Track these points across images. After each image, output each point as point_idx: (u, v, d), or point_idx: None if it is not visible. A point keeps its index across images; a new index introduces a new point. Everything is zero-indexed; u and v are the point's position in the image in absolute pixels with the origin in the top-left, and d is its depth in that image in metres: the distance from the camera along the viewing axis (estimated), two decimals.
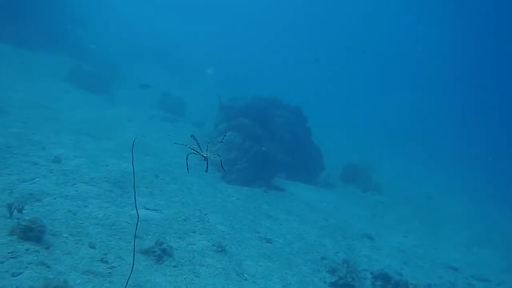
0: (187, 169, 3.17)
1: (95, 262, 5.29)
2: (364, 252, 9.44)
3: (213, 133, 13.66)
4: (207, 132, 14.58)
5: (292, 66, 48.14)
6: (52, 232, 5.56)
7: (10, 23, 17.54)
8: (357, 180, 16.92)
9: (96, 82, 17.50)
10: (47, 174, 7.38)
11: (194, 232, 7.33)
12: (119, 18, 33.49)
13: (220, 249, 6.93)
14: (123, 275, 5.25)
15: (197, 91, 26.69)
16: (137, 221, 6.02)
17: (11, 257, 4.73)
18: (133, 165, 4.44)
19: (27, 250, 4.95)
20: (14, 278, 4.40)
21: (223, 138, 3.25)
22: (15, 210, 5.66)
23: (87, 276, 4.95)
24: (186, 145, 3.20)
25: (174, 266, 5.97)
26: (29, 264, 4.72)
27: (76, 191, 7.13)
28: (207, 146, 3.24)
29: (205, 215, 8.26)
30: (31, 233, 5.16)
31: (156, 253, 5.96)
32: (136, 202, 7.68)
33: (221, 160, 3.27)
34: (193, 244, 6.85)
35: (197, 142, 3.23)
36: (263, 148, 12.21)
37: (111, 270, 5.25)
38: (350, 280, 7.48)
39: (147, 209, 7.59)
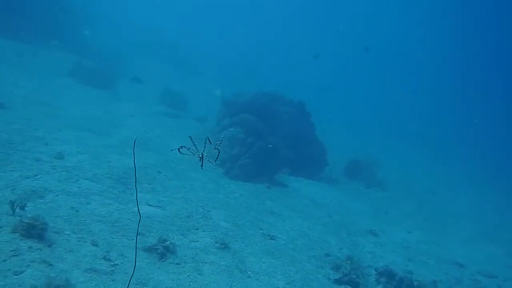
0: (176, 149, 3.08)
1: (97, 260, 5.26)
2: (368, 249, 9.39)
3: (216, 129, 13.59)
4: (210, 128, 14.51)
5: (295, 61, 47.92)
6: (54, 230, 5.54)
7: (11, 18, 17.49)
8: (361, 176, 16.83)
9: (98, 77, 17.45)
10: (49, 170, 7.35)
11: (197, 229, 7.29)
12: (122, 13, 33.35)
13: (223, 246, 6.89)
14: (126, 273, 5.22)
15: (199, 86, 26.59)
16: (139, 220, 5.98)
17: (13, 255, 4.70)
18: (134, 164, 4.39)
19: (29, 248, 4.93)
20: (16, 276, 4.38)
21: (222, 138, 3.18)
22: (18, 207, 5.63)
23: (90, 274, 4.92)
24: (183, 147, 3.13)
25: (177, 264, 5.94)
26: (31, 262, 4.69)
27: (79, 187, 7.09)
28: (206, 141, 3.19)
29: (208, 211, 8.22)
30: (34, 231, 5.13)
31: (159, 250, 5.93)
32: (139, 198, 7.65)
33: (216, 157, 3.21)
34: (196, 241, 6.82)
35: (194, 143, 3.18)
36: (270, 146, 12.12)
37: (113, 268, 5.22)
38: (354, 277, 7.43)
39: (149, 205, 7.56)
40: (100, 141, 10.30)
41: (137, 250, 5.82)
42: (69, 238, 5.49)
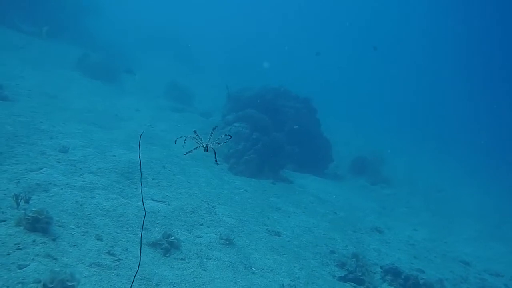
0: (181, 145, 3.05)
1: (102, 255, 5.23)
2: (373, 246, 9.30)
3: (221, 124, 13.52)
4: (215, 123, 14.44)
5: (300, 58, 47.61)
6: (59, 224, 5.51)
7: (17, 9, 17.45)
8: (366, 173, 16.71)
9: (104, 71, 17.39)
10: (54, 164, 7.33)
11: (201, 225, 7.24)
12: (127, 6, 33.23)
13: (227, 242, 6.84)
14: (130, 267, 5.19)
15: (204, 81, 26.49)
16: (144, 216, 5.94)
17: (17, 249, 4.68)
18: (140, 160, 4.33)
19: (33, 241, 4.90)
20: (20, 270, 4.35)
21: (228, 136, 3.13)
22: (22, 200, 5.61)
23: (94, 269, 4.89)
24: (188, 136, 3.10)
25: (182, 259, 5.90)
26: (35, 256, 4.66)
27: (83, 181, 7.07)
28: (212, 133, 3.14)
29: (212, 207, 8.17)
30: (38, 224, 5.10)
31: (164, 245, 5.89)
32: (143, 193, 7.61)
33: (215, 152, 3.16)
34: (200, 237, 6.77)
35: (199, 137, 3.14)
36: (275, 141, 12.01)
37: (118, 263, 5.19)
38: (359, 274, 7.36)
39: (154, 200, 7.52)
40: (105, 135, 10.27)
41: (141, 245, 5.79)
42: (73, 232, 5.47)
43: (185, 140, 3.09)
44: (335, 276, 7.26)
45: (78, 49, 18.71)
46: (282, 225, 8.66)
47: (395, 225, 11.51)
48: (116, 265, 5.13)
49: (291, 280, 6.48)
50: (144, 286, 5.01)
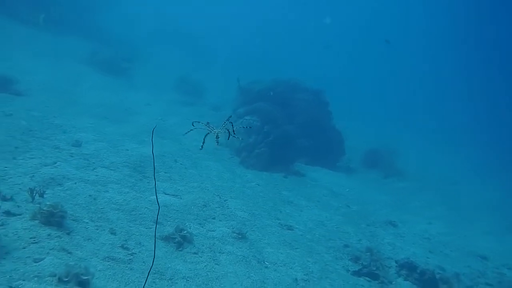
0: (192, 139, 3.02)
1: (115, 249, 5.24)
2: (387, 240, 9.17)
3: (232, 117, 13.45)
4: (225, 116, 14.38)
5: (312, 50, 47.07)
6: (73, 217, 5.54)
7: (28, 4, 17.58)
8: (379, 165, 16.47)
9: (115, 65, 17.47)
10: (68, 158, 7.38)
11: (213, 218, 7.22)
12: (138, 0, 33.20)
13: (240, 236, 6.80)
14: (143, 261, 5.19)
15: (215, 74, 26.40)
16: (158, 212, 5.93)
17: (33, 242, 4.71)
18: (153, 154, 4.30)
19: (48, 235, 4.93)
20: (36, 263, 4.38)
21: (243, 127, 3.07)
22: (37, 194, 5.66)
23: (108, 263, 4.91)
24: (199, 122, 3.06)
25: (195, 253, 5.88)
26: (50, 249, 4.69)
27: (96, 175, 7.10)
28: (225, 123, 3.10)
29: (224, 201, 8.14)
30: (53, 218, 5.13)
31: (176, 239, 5.88)
32: (156, 187, 7.62)
33: (217, 136, 3.11)
34: (213, 231, 6.75)
35: (212, 129, 3.09)
36: (286, 134, 11.90)
37: (131, 257, 5.19)
38: (374, 268, 7.26)
39: (166, 194, 7.52)
40: (117, 129, 10.31)
41: (155, 239, 5.79)
42: (87, 226, 5.49)
43: (190, 129, 3.04)
44: (349, 270, 7.18)
45: (89, 43, 18.80)
46: (295, 219, 8.59)
47: (409, 219, 11.33)
48: (130, 259, 5.14)
49: (304, 274, 6.42)
50: (158, 280, 5.00)
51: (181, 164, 9.31)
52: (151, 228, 6.04)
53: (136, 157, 8.49)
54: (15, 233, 4.77)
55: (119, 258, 5.09)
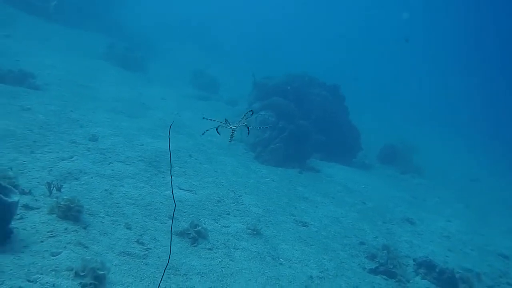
0: (206, 133, 2.97)
1: (131, 243, 5.26)
2: (405, 238, 8.99)
3: (250, 113, 13.37)
4: (241, 111, 14.31)
5: (328, 45, 46.51)
6: (89, 212, 5.58)
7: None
8: (396, 162, 16.18)
9: (131, 59, 17.60)
10: (84, 152, 7.44)
11: (228, 214, 7.19)
12: None
13: (255, 232, 6.75)
14: (158, 257, 5.19)
15: (229, 69, 26.34)
16: (174, 209, 5.92)
17: (50, 236, 4.76)
18: (170, 150, 4.28)
19: (65, 229, 4.98)
20: (53, 257, 4.42)
21: (260, 127, 2.98)
22: (54, 188, 5.71)
23: (124, 258, 4.92)
24: (214, 120, 3.01)
25: (209, 249, 5.86)
26: (67, 244, 4.73)
27: (112, 170, 7.14)
28: (241, 119, 3.04)
29: (239, 196, 8.09)
30: (70, 213, 5.18)
31: (191, 235, 5.87)
32: (172, 184, 7.62)
33: (233, 132, 3.05)
34: (227, 227, 6.72)
35: (229, 125, 3.04)
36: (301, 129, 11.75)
37: (147, 252, 5.21)
38: (391, 266, 7.12)
39: (181, 189, 7.52)
40: (132, 123, 10.36)
41: (171, 235, 5.79)
42: (103, 221, 5.53)
43: (206, 129, 2.99)
44: (365, 268, 7.06)
45: (105, 38, 18.97)
46: (310, 215, 8.49)
47: (427, 216, 11.08)
48: (145, 254, 5.15)
49: (319, 272, 6.34)
50: (172, 275, 5.00)
51: (195, 159, 9.30)
52: (166, 223, 6.05)
53: (151, 152, 8.52)
54: (33, 226, 4.82)
55: (135, 253, 5.10)
